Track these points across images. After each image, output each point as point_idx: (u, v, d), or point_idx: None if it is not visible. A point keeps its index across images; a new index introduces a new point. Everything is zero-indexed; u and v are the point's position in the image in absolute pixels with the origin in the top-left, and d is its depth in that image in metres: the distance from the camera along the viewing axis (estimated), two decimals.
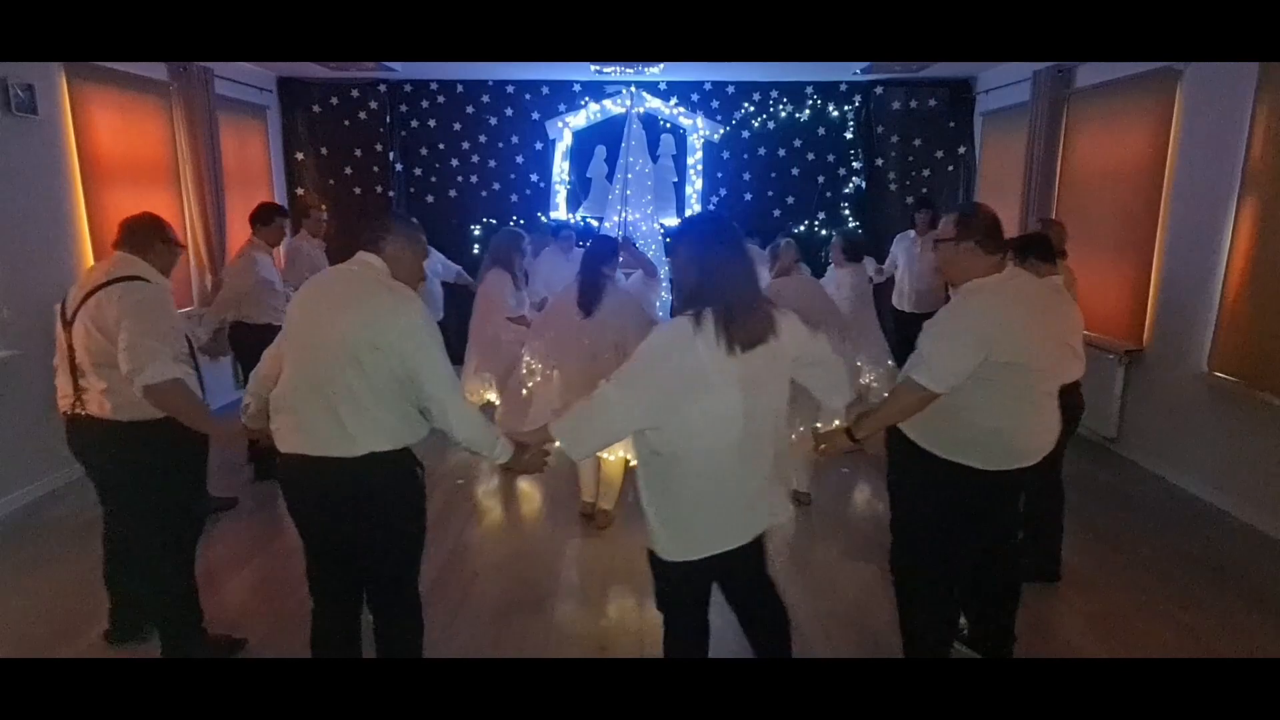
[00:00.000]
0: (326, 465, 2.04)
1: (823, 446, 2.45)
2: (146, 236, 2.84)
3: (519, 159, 7.40)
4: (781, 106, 7.28)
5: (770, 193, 7.40)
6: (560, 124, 7.25)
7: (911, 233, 6.14)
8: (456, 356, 2.96)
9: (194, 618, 2.79)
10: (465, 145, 7.36)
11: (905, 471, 2.48)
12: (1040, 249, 3.20)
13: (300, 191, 7.34)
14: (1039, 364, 2.25)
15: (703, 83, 7.23)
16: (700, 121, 7.25)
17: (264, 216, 4.60)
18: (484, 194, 7.41)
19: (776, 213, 7.38)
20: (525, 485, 4.54)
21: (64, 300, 2.65)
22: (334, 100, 7.20)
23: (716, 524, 2.07)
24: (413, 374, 2.03)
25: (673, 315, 2.02)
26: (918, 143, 7.23)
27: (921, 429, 2.34)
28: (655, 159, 7.27)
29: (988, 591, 2.73)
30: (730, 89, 7.27)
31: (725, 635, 3.01)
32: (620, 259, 5.34)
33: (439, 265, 6.05)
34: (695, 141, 7.28)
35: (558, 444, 2.17)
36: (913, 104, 7.18)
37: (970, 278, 2.27)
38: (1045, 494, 3.39)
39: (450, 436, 2.13)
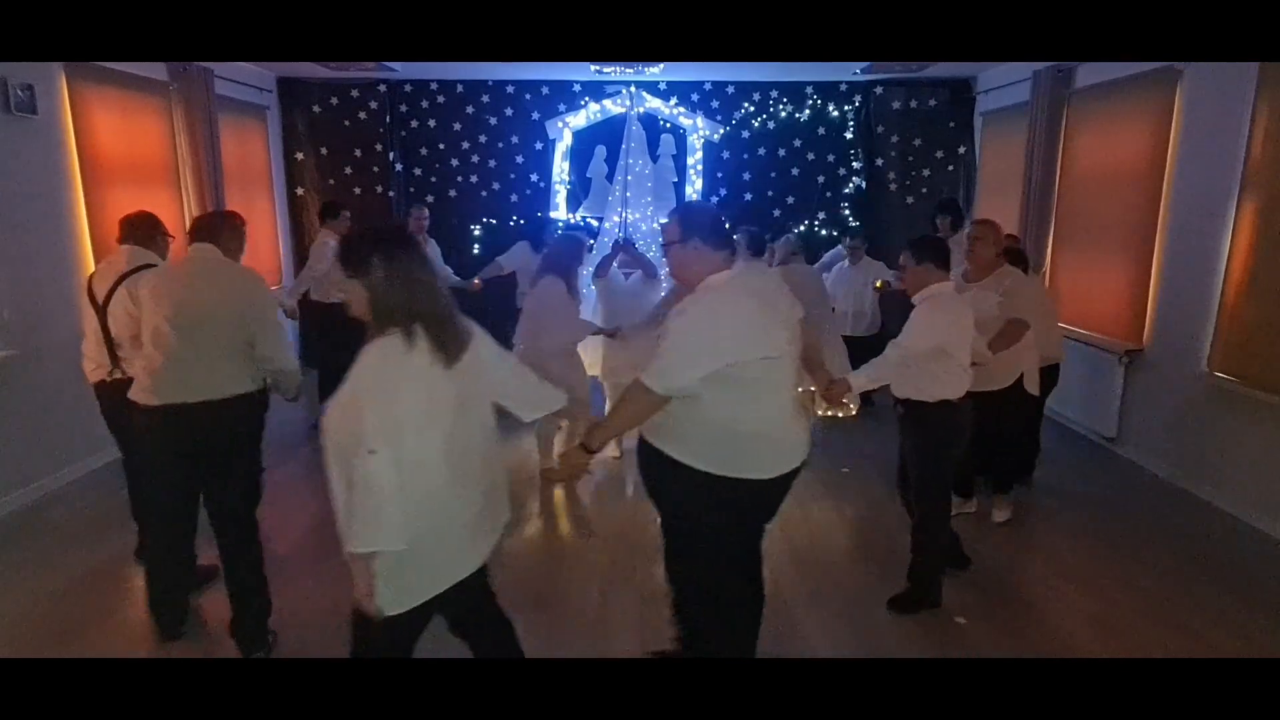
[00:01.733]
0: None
1: (560, 467, 2.32)
2: (150, 230, 3.39)
3: (519, 159, 7.40)
4: (781, 106, 7.28)
5: (770, 193, 7.41)
6: (560, 124, 7.25)
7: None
8: None
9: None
10: (465, 145, 7.36)
11: (671, 491, 2.29)
12: (936, 255, 3.12)
13: (300, 191, 7.34)
14: (781, 352, 2.16)
15: (703, 83, 7.23)
16: (700, 121, 7.25)
17: (330, 211, 5.53)
18: (484, 194, 7.41)
19: (776, 213, 7.38)
20: (522, 486, 4.53)
21: (89, 287, 3.20)
22: (334, 100, 7.20)
23: (440, 563, 1.89)
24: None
25: (376, 336, 1.79)
26: (918, 143, 7.23)
27: (684, 446, 2.18)
28: (655, 159, 7.27)
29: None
30: (730, 89, 7.27)
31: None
32: (619, 259, 5.37)
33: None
34: (695, 141, 7.28)
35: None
36: (913, 104, 7.18)
37: (703, 277, 2.19)
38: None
39: None
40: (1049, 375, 4.08)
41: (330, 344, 5.46)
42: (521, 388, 2.11)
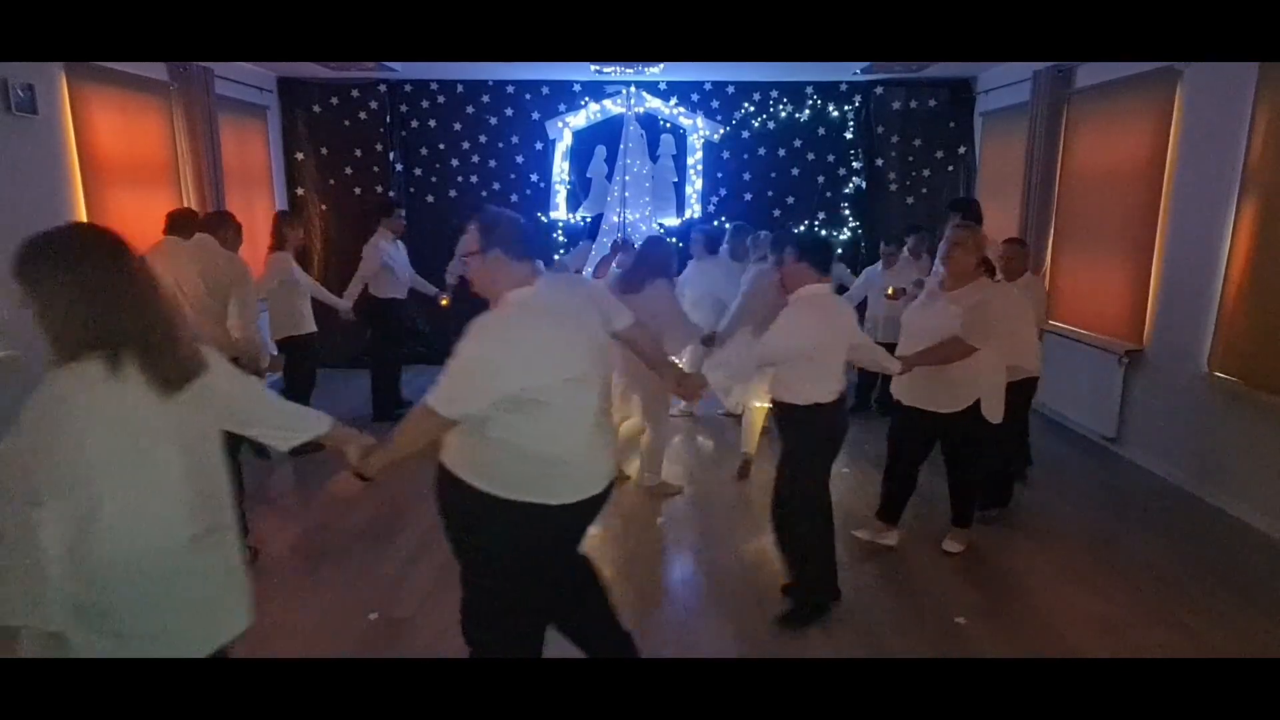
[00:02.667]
0: None
1: (335, 491, 2.13)
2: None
3: (519, 159, 7.40)
4: (781, 106, 7.28)
5: (770, 193, 7.40)
6: (560, 124, 7.25)
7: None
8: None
9: None
10: (465, 145, 7.36)
11: (459, 514, 2.11)
12: (818, 254, 3.07)
13: (300, 191, 7.34)
14: (583, 374, 2.01)
15: (703, 83, 7.23)
16: (700, 121, 7.25)
17: (385, 209, 5.65)
18: (484, 194, 7.40)
19: (776, 213, 7.38)
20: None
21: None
22: (334, 100, 7.20)
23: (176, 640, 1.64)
24: None
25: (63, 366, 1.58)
26: (918, 143, 7.23)
27: (474, 468, 2.03)
28: (655, 159, 7.27)
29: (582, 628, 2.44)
30: (730, 89, 7.27)
31: (724, 635, 3.02)
32: (618, 260, 5.37)
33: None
34: (695, 141, 7.28)
35: None
36: (913, 104, 7.18)
37: (504, 291, 2.01)
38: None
39: None
40: (1024, 389, 3.82)
41: (382, 341, 5.56)
42: (270, 415, 1.89)
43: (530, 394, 1.91)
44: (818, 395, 2.91)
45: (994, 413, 3.40)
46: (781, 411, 3.01)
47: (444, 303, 5.64)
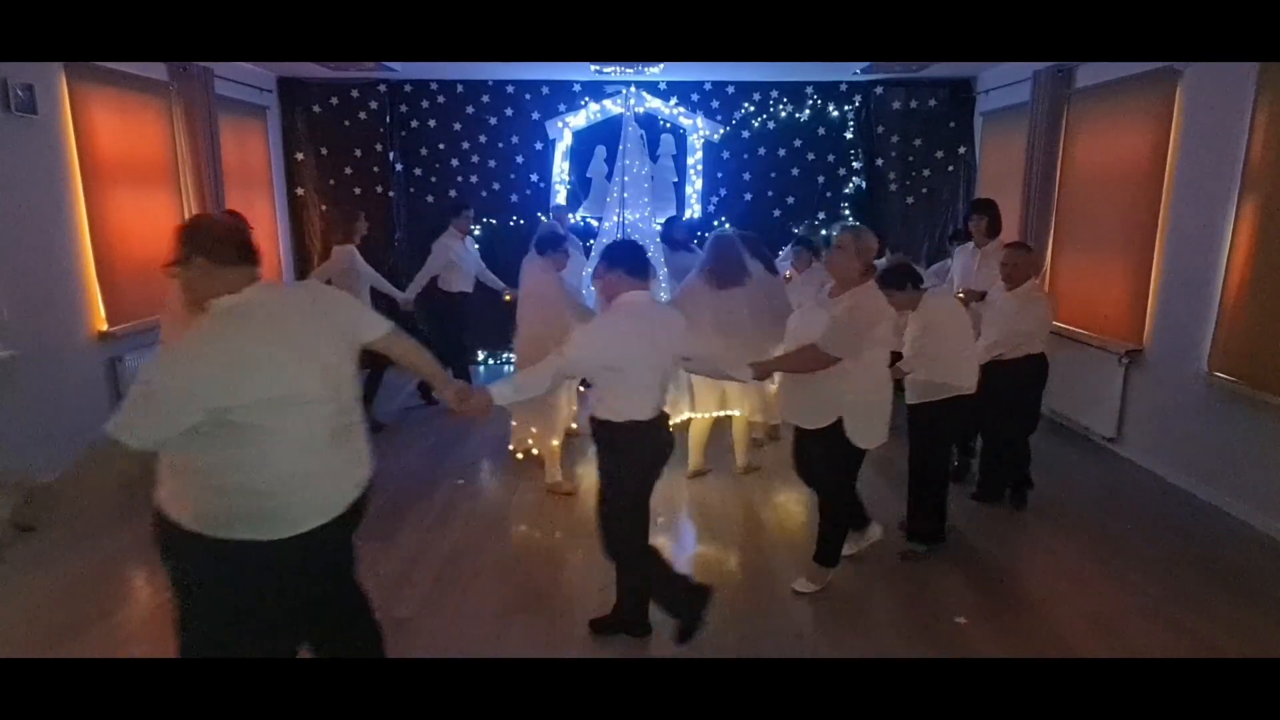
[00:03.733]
0: None
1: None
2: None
3: (519, 159, 7.40)
4: (781, 106, 7.28)
5: (770, 193, 7.41)
6: (560, 124, 7.25)
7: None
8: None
9: None
10: (465, 145, 7.36)
11: (170, 552, 1.88)
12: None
13: (300, 191, 7.33)
14: (294, 392, 1.79)
15: (703, 83, 7.23)
16: (700, 121, 7.25)
17: (454, 209, 6.09)
18: (484, 194, 7.40)
19: (776, 213, 7.38)
20: (525, 486, 4.54)
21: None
22: (334, 100, 7.20)
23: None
24: None
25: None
26: (918, 143, 7.23)
27: (174, 501, 1.83)
28: (655, 159, 7.26)
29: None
30: (730, 89, 7.27)
31: (724, 635, 3.02)
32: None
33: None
34: (695, 141, 7.28)
35: None
36: (913, 104, 7.18)
37: (210, 298, 1.82)
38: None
39: None
40: (957, 407, 3.48)
41: (448, 332, 5.97)
42: None
43: (222, 415, 1.69)
44: (633, 412, 2.67)
45: (863, 437, 3.10)
46: (596, 429, 2.76)
47: (507, 299, 5.85)
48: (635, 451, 2.74)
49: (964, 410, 3.52)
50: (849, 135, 7.33)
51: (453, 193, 7.41)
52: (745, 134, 7.32)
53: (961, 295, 4.50)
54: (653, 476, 2.83)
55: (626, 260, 2.71)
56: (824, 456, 3.21)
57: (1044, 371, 4.10)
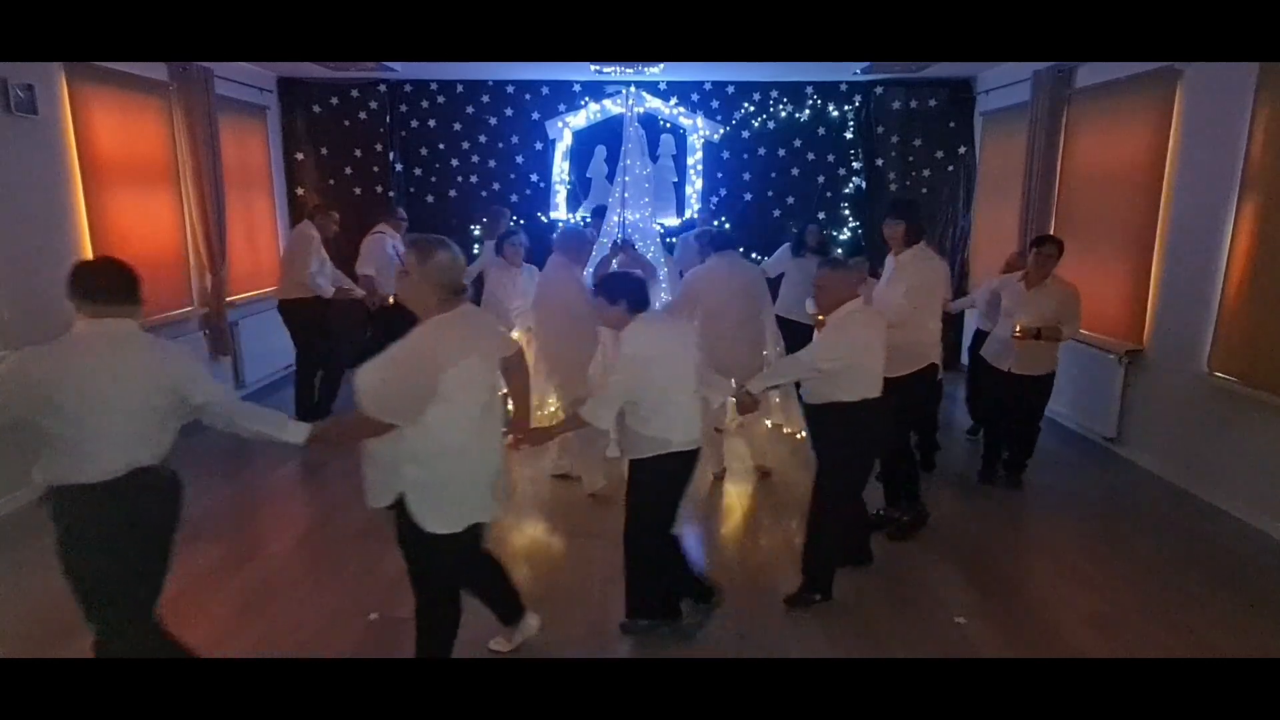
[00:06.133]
0: None
1: None
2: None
3: (519, 159, 7.41)
4: (781, 106, 7.28)
5: (770, 193, 7.41)
6: (560, 124, 7.25)
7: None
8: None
9: None
10: (465, 145, 7.37)
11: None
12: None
13: (300, 192, 7.34)
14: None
15: (703, 83, 7.24)
16: (700, 121, 7.25)
17: (494, 215, 6.08)
18: (484, 194, 7.41)
19: (776, 213, 7.39)
20: (525, 486, 4.53)
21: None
22: (334, 100, 7.20)
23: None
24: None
25: None
26: (918, 143, 7.23)
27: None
28: (655, 159, 7.27)
29: None
30: (730, 89, 7.27)
31: (724, 635, 3.02)
32: (619, 260, 5.36)
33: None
34: (695, 141, 7.29)
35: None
36: (913, 104, 7.18)
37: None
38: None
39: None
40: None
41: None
42: None
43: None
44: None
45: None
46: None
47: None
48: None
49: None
50: (849, 135, 7.33)
51: (453, 193, 7.42)
52: (745, 134, 7.33)
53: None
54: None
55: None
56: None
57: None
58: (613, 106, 7.17)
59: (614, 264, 5.28)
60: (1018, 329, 4.16)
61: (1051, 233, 5.88)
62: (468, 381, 2.24)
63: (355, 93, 7.18)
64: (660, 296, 5.45)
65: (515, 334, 4.61)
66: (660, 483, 2.84)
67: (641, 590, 2.98)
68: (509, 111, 7.31)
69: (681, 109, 7.25)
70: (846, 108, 7.28)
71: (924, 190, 7.27)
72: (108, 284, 2.17)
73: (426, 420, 2.20)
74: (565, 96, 7.27)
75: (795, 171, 7.39)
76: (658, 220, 6.96)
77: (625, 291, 2.80)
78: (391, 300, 6.00)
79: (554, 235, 5.04)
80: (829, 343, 3.09)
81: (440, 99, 7.29)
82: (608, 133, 7.19)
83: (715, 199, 7.40)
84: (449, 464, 2.28)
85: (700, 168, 7.31)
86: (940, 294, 3.93)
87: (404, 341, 2.22)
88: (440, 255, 2.26)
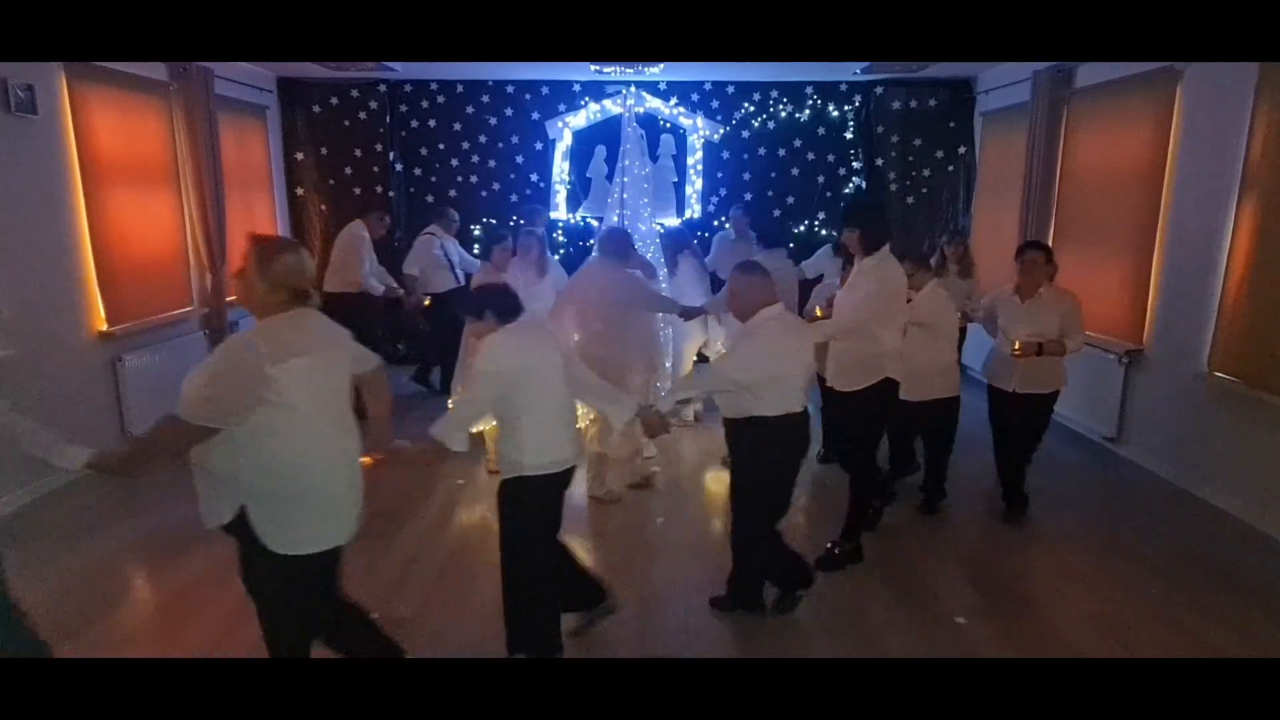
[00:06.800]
0: None
1: None
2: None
3: (519, 159, 7.41)
4: (781, 106, 7.28)
5: (770, 193, 7.41)
6: (560, 124, 7.25)
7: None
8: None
9: None
10: (465, 145, 7.37)
11: None
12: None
13: (300, 192, 7.34)
14: None
15: (703, 83, 7.24)
16: (700, 121, 7.25)
17: (528, 215, 6.34)
18: (484, 194, 7.41)
19: (776, 212, 7.38)
20: None
21: None
22: (334, 100, 7.20)
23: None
24: None
25: None
26: (918, 143, 7.24)
27: None
28: (655, 159, 7.26)
29: None
30: (730, 89, 7.27)
31: (724, 635, 3.02)
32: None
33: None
34: (695, 141, 7.28)
35: None
36: (913, 104, 7.18)
37: None
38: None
39: None
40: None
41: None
42: None
43: None
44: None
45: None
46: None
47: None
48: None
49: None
50: (849, 135, 7.33)
51: (453, 193, 7.41)
52: (745, 134, 7.33)
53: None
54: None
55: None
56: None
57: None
58: (613, 106, 7.17)
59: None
60: (1016, 346, 3.83)
61: (1051, 233, 5.89)
62: (301, 383, 2.07)
63: (355, 93, 7.18)
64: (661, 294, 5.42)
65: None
66: (527, 508, 2.65)
67: (522, 621, 2.73)
68: (509, 111, 7.31)
69: (681, 109, 7.25)
70: (846, 108, 7.27)
71: (924, 190, 7.27)
72: None
73: (259, 425, 2.04)
74: (565, 96, 7.27)
75: (795, 171, 7.39)
76: (657, 220, 6.96)
77: (490, 301, 2.66)
78: (428, 302, 6.19)
79: (596, 236, 5.01)
80: (742, 353, 2.92)
81: (440, 99, 7.29)
82: (608, 133, 7.18)
83: (715, 199, 7.40)
84: (291, 476, 2.12)
85: (700, 168, 7.31)
86: (900, 304, 3.52)
87: (231, 338, 2.16)
88: (286, 258, 2.11)
